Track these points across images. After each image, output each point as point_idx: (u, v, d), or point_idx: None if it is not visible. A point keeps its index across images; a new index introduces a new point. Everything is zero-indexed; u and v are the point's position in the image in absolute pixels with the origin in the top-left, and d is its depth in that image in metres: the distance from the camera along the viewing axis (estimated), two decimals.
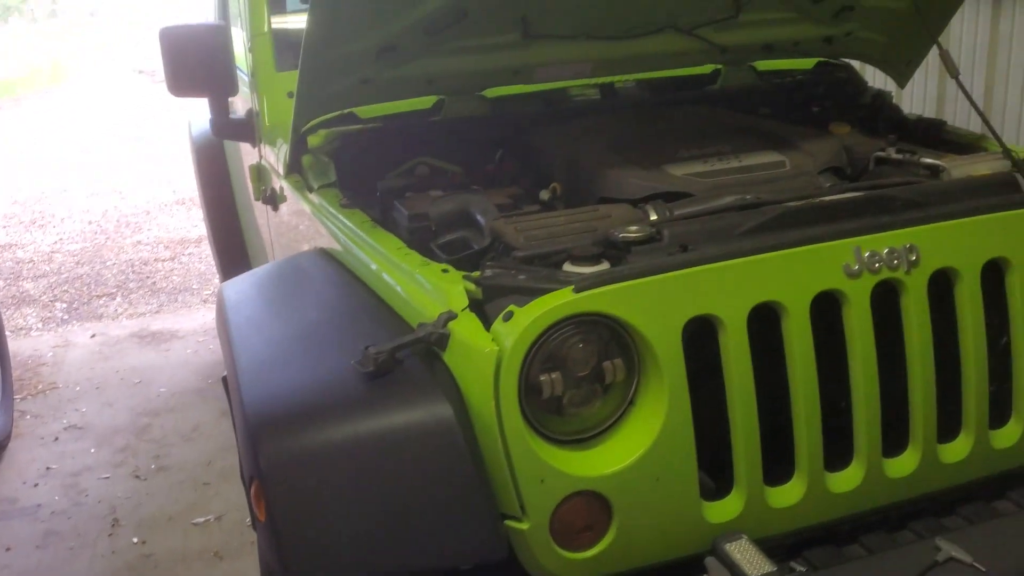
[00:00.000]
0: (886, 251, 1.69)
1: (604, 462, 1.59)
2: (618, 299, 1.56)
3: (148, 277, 6.55)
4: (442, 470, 1.48)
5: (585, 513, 1.59)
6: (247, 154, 3.27)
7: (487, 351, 1.53)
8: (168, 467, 3.80)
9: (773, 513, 1.69)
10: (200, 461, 3.82)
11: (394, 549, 1.46)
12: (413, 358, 1.61)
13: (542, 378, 1.56)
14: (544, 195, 2.18)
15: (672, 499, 1.62)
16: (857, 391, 1.70)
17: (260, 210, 3.17)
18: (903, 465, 1.76)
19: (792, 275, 1.65)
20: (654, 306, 1.58)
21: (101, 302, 6.09)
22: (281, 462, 1.47)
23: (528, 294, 1.59)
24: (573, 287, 1.56)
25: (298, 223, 2.52)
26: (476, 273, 1.69)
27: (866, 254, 1.68)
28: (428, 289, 1.73)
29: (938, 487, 1.79)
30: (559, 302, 1.54)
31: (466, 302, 1.64)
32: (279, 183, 2.67)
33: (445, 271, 1.74)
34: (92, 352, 5.13)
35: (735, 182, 2.08)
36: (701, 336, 1.64)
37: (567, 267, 1.70)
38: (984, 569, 1.57)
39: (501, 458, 1.54)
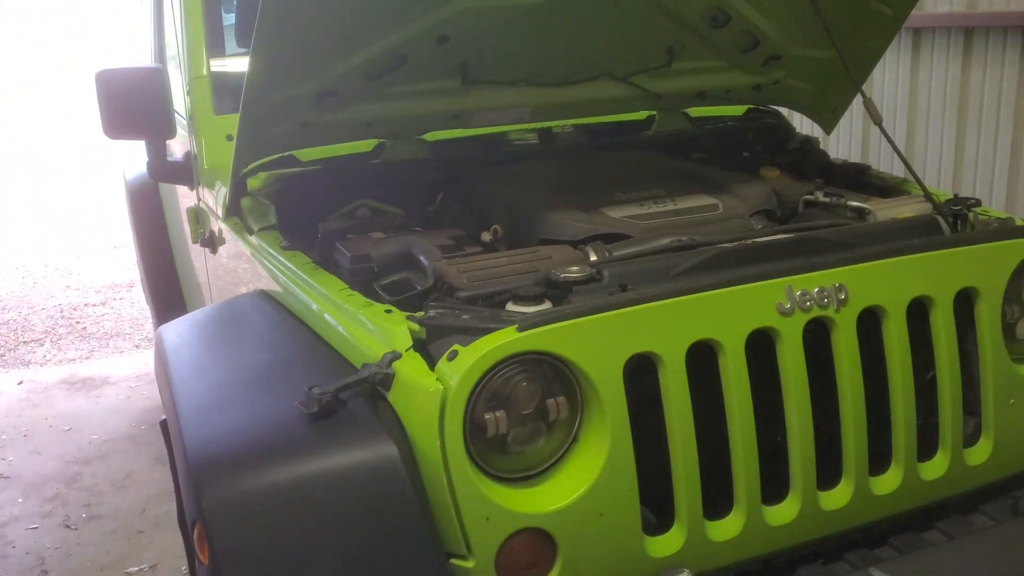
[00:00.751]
0: (816, 290, 1.75)
1: (548, 499, 1.61)
2: (561, 337, 1.59)
3: (78, 322, 6.40)
4: (387, 510, 1.48)
5: (530, 550, 1.60)
6: (183, 197, 3.25)
7: (432, 390, 1.55)
8: (100, 516, 3.69)
9: (713, 546, 1.72)
10: (133, 509, 3.72)
11: None
12: (357, 399, 1.62)
13: (487, 416, 1.58)
14: (485, 237, 2.21)
15: (615, 534, 1.64)
16: (791, 426, 1.75)
17: (197, 253, 3.14)
18: (837, 498, 1.81)
19: (727, 313, 1.70)
20: (596, 344, 1.61)
21: (28, 348, 5.92)
22: (224, 504, 1.45)
23: (472, 334, 1.61)
24: (517, 326, 1.58)
25: (237, 266, 2.51)
26: (420, 313, 1.71)
27: (797, 293, 1.74)
28: (371, 330, 1.74)
29: (871, 519, 1.85)
30: (503, 341, 1.56)
31: (410, 342, 1.66)
32: (218, 225, 2.65)
33: (388, 311, 1.76)
34: (19, 399, 4.98)
35: (671, 224, 2.14)
36: (642, 373, 1.68)
37: (510, 307, 1.73)
38: None
39: (447, 497, 1.54)
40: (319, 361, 1.79)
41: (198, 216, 2.86)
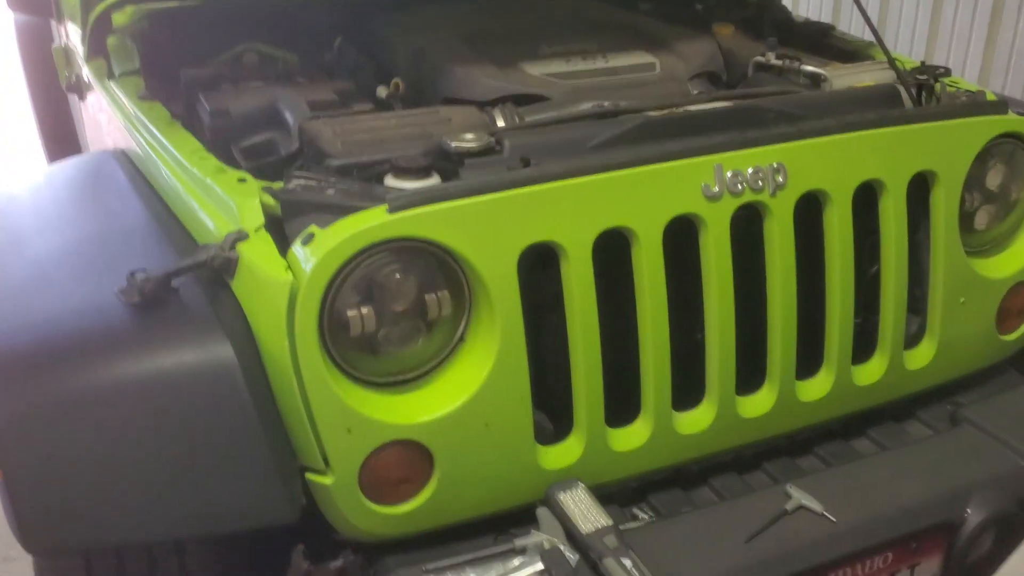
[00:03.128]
0: (750, 171, 1.50)
1: (425, 408, 1.39)
2: (441, 222, 1.33)
3: None
4: (218, 420, 1.25)
5: (401, 464, 1.39)
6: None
7: (280, 280, 1.29)
8: None
9: (616, 457, 1.52)
10: None
11: (161, 513, 1.23)
12: (194, 288, 1.36)
13: (350, 313, 1.33)
14: (382, 92, 1.90)
15: (503, 446, 1.44)
16: (711, 325, 1.53)
17: (73, 100, 2.78)
18: (758, 404, 1.61)
19: (645, 197, 1.44)
20: (485, 231, 1.35)
21: None
22: (20, 412, 1.21)
23: (335, 212, 1.35)
24: (387, 206, 1.31)
25: (100, 117, 2.17)
26: (279, 184, 1.43)
27: (728, 174, 1.48)
28: (221, 201, 1.46)
29: (795, 427, 1.67)
30: (369, 224, 1.30)
31: (262, 220, 1.38)
32: (84, 68, 2.30)
33: (242, 180, 1.47)
34: None
35: (597, 86, 1.85)
36: (540, 264, 1.43)
37: (389, 181, 1.45)
38: (834, 519, 1.46)
39: (299, 405, 1.31)
40: (162, 238, 1.51)
41: (67, 56, 2.48)
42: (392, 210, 1.31)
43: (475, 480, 1.44)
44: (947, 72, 1.97)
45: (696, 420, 1.57)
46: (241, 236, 1.36)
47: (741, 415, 1.59)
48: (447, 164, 1.49)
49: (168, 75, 1.95)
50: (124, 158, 1.85)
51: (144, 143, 1.72)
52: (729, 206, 1.49)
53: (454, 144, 1.48)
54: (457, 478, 1.42)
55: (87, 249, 1.52)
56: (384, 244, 1.32)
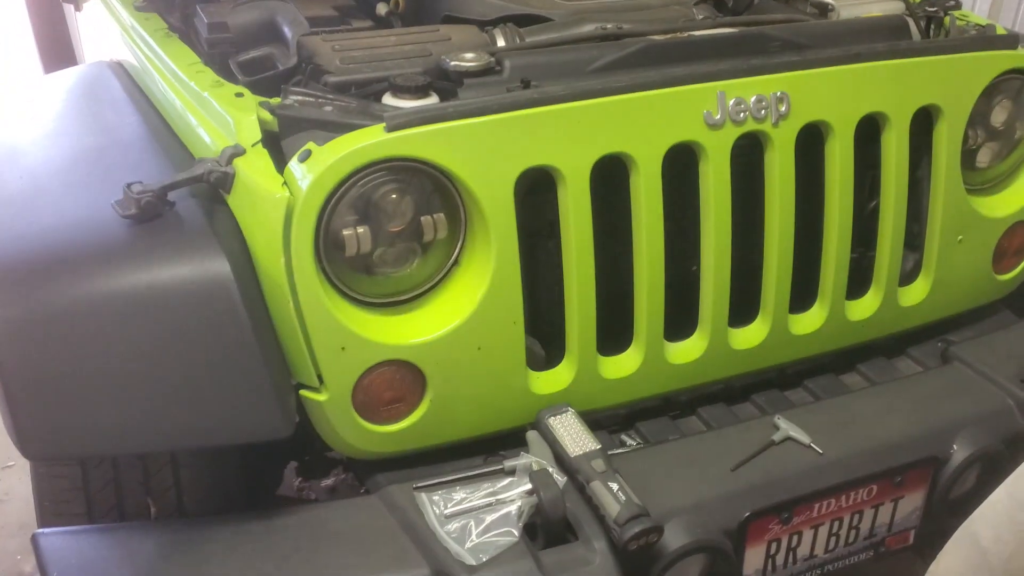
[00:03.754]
0: (753, 99, 1.48)
1: (419, 328, 1.39)
2: (439, 143, 1.32)
3: None
4: (214, 335, 1.25)
5: (394, 384, 1.40)
6: None
7: (277, 196, 1.28)
8: None
9: (606, 384, 1.54)
10: None
11: (155, 424, 1.24)
12: (190, 201, 1.35)
13: (346, 232, 1.33)
14: (381, 9, 1.87)
15: (495, 370, 1.45)
16: (707, 255, 1.53)
17: (69, 10, 2.72)
18: (750, 336, 1.62)
19: (645, 123, 1.42)
20: (483, 153, 1.34)
21: None
22: (17, 320, 1.21)
23: (332, 130, 1.33)
24: (385, 125, 1.30)
25: (97, 28, 2.13)
26: (276, 100, 1.41)
27: (731, 101, 1.46)
28: (219, 116, 1.44)
29: (786, 359, 1.67)
30: (366, 142, 1.28)
31: (259, 135, 1.37)
32: None
33: (239, 95, 1.45)
34: None
35: (600, 7, 1.81)
36: (538, 189, 1.42)
37: (387, 99, 1.43)
38: (820, 451, 1.48)
39: (294, 322, 1.32)
40: (158, 151, 1.50)
41: None
42: (390, 129, 1.29)
43: (467, 402, 1.45)
44: (957, 5, 1.93)
45: (688, 350, 1.58)
46: (238, 151, 1.34)
47: (733, 347, 1.60)
48: (446, 83, 1.47)
49: None
50: (120, 70, 1.83)
51: (141, 55, 1.69)
52: (731, 135, 1.48)
53: (453, 63, 1.46)
54: (449, 399, 1.43)
55: (83, 161, 1.50)
56: (381, 163, 1.31)
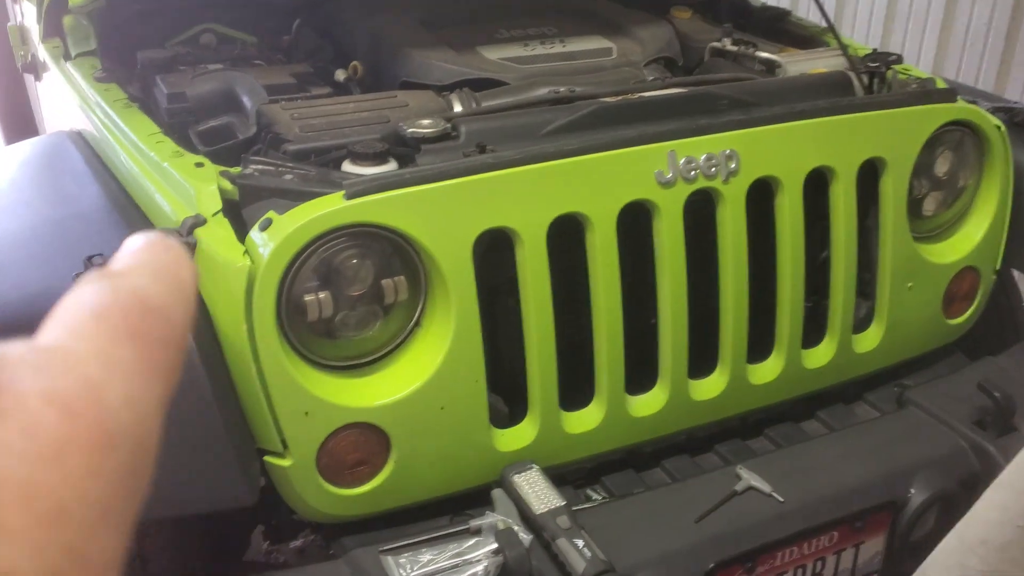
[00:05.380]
0: (703, 157, 1.52)
1: (382, 390, 1.41)
2: (398, 208, 1.34)
3: None
4: (176, 404, 1.24)
5: (359, 446, 1.40)
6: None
7: (238, 265, 1.30)
8: None
9: (570, 439, 1.55)
10: None
11: None
12: None
13: (307, 299, 1.34)
14: (340, 75, 1.91)
15: (459, 428, 1.46)
16: (664, 309, 1.56)
17: (29, 80, 2.74)
18: (710, 387, 1.65)
19: (599, 183, 1.46)
20: (441, 217, 1.37)
21: None
22: None
23: (293, 198, 1.35)
24: (344, 192, 1.32)
25: (56, 98, 2.15)
26: (236, 169, 1.43)
27: (681, 161, 1.51)
28: (179, 186, 1.46)
29: (745, 409, 1.70)
30: (326, 210, 1.31)
31: (219, 204, 1.39)
32: (40, 48, 2.27)
33: (199, 165, 1.47)
34: None
35: (554, 71, 1.86)
36: (497, 246, 1.45)
37: (346, 166, 1.46)
38: (782, 499, 1.50)
39: (257, 389, 1.32)
40: (119, 222, 1.51)
41: (22, 35, 2.45)
42: (349, 196, 1.32)
43: (431, 462, 1.46)
44: (899, 59, 2.00)
45: (649, 403, 1.60)
46: (199, 221, 1.36)
47: (693, 398, 1.63)
48: (404, 149, 1.51)
49: (125, 56, 1.94)
50: (80, 140, 1.84)
51: (101, 125, 1.71)
52: (682, 192, 1.52)
53: (410, 130, 1.49)
54: (413, 460, 1.44)
55: (43, 233, 1.51)
56: (341, 229, 1.33)
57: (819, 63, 2.00)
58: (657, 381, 1.61)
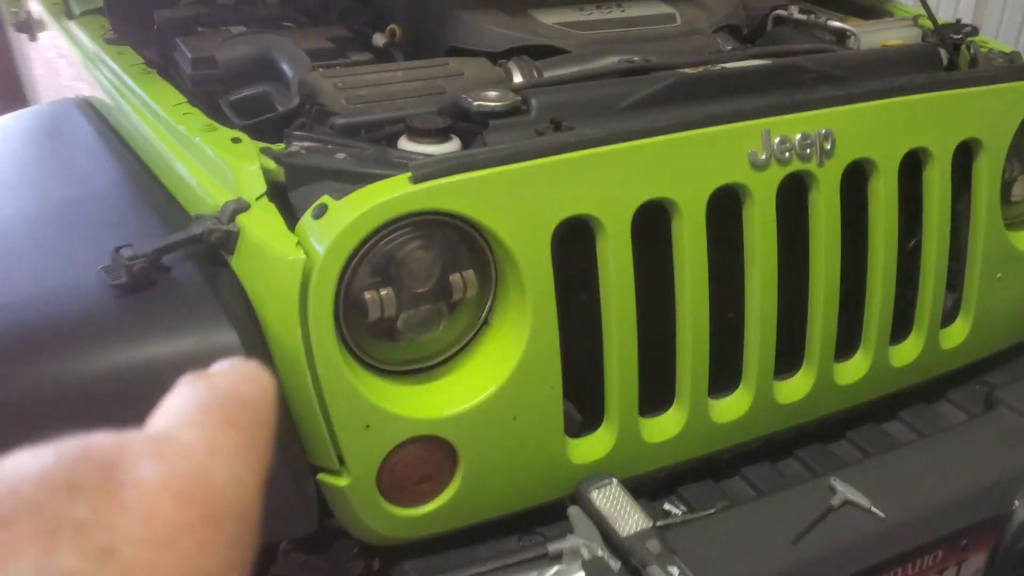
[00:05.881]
0: (798, 137, 1.36)
1: (449, 399, 1.25)
2: (471, 194, 1.18)
3: None
4: None
5: (423, 462, 1.25)
6: None
7: (291, 259, 1.13)
8: None
9: (648, 448, 1.40)
10: None
11: None
12: (187, 265, 1.19)
13: (368, 296, 1.18)
14: (379, 39, 1.72)
15: (532, 440, 1.30)
16: (752, 304, 1.41)
17: (21, 40, 2.52)
18: (796, 388, 1.50)
19: (688, 166, 1.30)
20: (519, 204, 1.20)
21: None
22: None
23: (349, 180, 1.18)
24: (410, 175, 1.15)
25: (57, 60, 1.95)
26: (279, 146, 1.26)
27: (776, 140, 1.35)
28: (214, 164, 1.28)
29: (829, 411, 1.56)
30: (391, 195, 1.14)
31: (264, 187, 1.22)
32: (36, 5, 2.06)
33: (236, 140, 1.30)
34: None
35: (616, 37, 1.69)
36: (567, 236, 1.29)
37: (403, 143, 1.29)
38: (883, 515, 1.36)
39: (312, 399, 1.16)
40: (143, 204, 1.33)
41: None
42: (416, 180, 1.15)
43: (501, 477, 1.31)
44: (975, 31, 1.85)
45: (732, 407, 1.46)
46: (241, 206, 1.19)
47: (778, 401, 1.48)
48: (467, 124, 1.34)
49: (134, 15, 1.74)
50: (89, 109, 1.65)
51: (116, 94, 1.52)
52: (776, 175, 1.36)
53: (476, 103, 1.32)
54: (482, 475, 1.29)
55: (56, 216, 1.33)
56: (407, 217, 1.16)
57: (891, 33, 1.84)
58: (741, 383, 1.46)
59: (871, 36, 1.81)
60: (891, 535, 1.34)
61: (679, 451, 1.43)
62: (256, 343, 1.15)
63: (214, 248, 1.19)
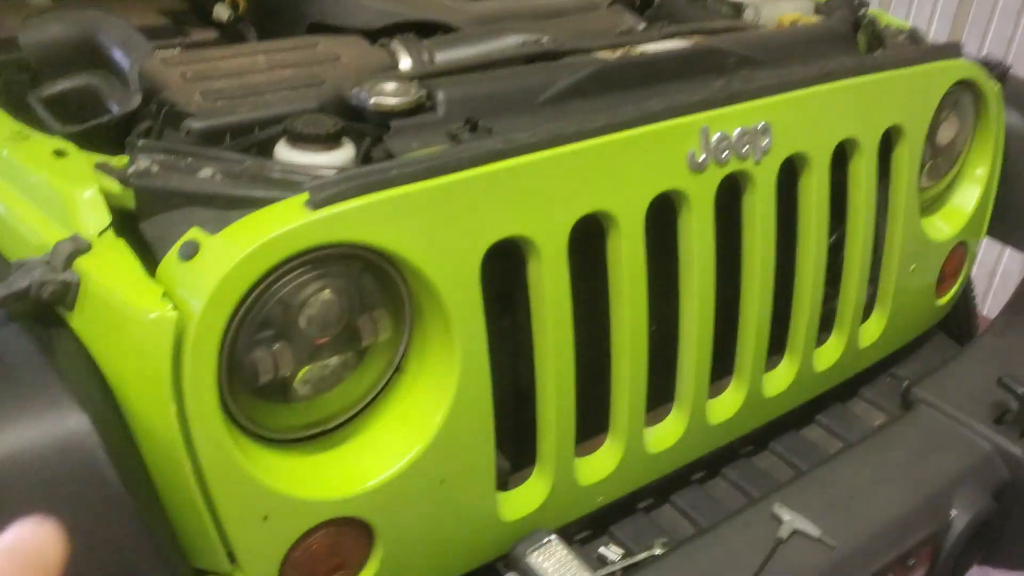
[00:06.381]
0: (736, 132, 1.21)
1: (363, 470, 1.02)
2: (385, 219, 0.94)
3: None
4: (76, 517, 0.81)
5: (335, 550, 1.01)
6: None
7: (156, 316, 0.85)
8: None
9: (582, 491, 1.23)
10: None
11: None
12: (10, 328, 0.88)
13: (258, 355, 0.92)
14: (221, 12, 1.42)
15: (460, 502, 1.10)
16: (688, 320, 1.26)
17: None
18: (727, 405, 1.37)
19: (626, 171, 1.12)
20: (443, 228, 0.98)
21: None
22: None
23: (222, 206, 0.92)
24: (308, 198, 0.90)
25: None
26: (121, 160, 0.97)
27: (714, 138, 1.18)
28: (34, 189, 0.97)
29: (757, 425, 1.44)
30: (285, 227, 0.89)
31: (107, 218, 0.93)
32: None
33: (60, 154, 0.99)
34: None
35: (507, 12, 1.47)
36: (491, 257, 1.08)
37: (282, 152, 1.03)
38: (834, 544, 1.25)
39: (192, 491, 0.90)
40: None
41: None
42: (316, 204, 0.90)
43: (424, 549, 1.09)
44: (864, 3, 1.76)
45: (666, 434, 1.30)
46: (79, 247, 0.89)
47: (710, 421, 1.35)
48: (360, 125, 1.09)
49: None
50: None
51: None
52: (714, 178, 1.20)
53: (373, 99, 1.08)
54: (403, 552, 1.07)
55: None
56: (306, 254, 0.91)
57: (786, 6, 1.73)
58: (674, 406, 1.31)
59: (768, 9, 1.69)
60: (845, 565, 1.24)
61: (614, 489, 1.27)
62: (114, 425, 0.87)
63: (46, 305, 0.89)
